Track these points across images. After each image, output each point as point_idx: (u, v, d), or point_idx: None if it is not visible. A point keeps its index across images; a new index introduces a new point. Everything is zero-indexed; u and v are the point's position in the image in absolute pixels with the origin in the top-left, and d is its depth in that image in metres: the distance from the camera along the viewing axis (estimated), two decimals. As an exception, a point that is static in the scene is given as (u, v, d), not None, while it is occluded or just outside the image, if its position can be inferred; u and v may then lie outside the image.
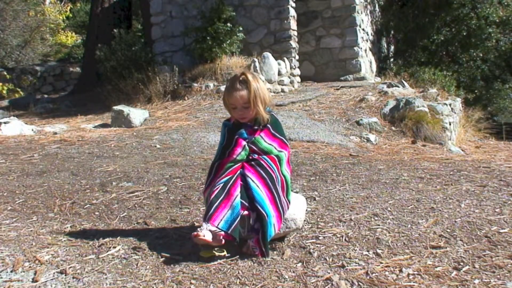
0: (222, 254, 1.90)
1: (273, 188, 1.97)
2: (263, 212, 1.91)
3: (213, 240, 1.84)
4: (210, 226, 1.85)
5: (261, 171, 1.98)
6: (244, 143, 2.00)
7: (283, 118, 5.79)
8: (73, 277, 1.75)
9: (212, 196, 1.92)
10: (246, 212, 1.92)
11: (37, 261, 1.89)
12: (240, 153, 1.99)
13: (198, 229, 1.86)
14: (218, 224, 1.86)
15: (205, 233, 1.82)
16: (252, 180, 1.95)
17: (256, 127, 2.04)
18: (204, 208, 2.06)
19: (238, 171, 1.99)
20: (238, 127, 2.05)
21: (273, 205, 1.95)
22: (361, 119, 5.83)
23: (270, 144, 2.04)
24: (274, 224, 1.94)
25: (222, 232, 1.86)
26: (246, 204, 1.93)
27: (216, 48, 7.47)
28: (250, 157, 2.01)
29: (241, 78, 1.99)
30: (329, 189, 2.96)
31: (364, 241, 2.05)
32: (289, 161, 2.14)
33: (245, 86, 1.97)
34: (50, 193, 3.00)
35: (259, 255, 1.89)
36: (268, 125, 2.05)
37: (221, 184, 1.95)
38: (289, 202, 2.08)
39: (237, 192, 1.93)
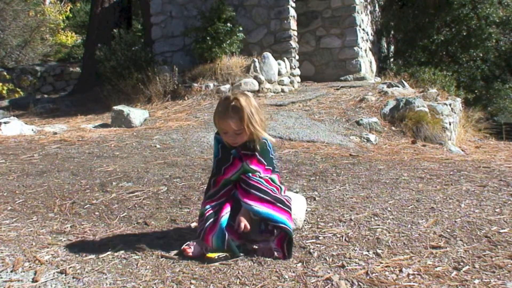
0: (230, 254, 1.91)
1: (269, 197, 1.97)
2: (282, 225, 1.92)
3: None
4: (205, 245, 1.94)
5: (252, 191, 1.96)
6: (240, 165, 2.00)
7: (283, 118, 5.79)
8: (73, 277, 1.75)
9: (205, 218, 1.99)
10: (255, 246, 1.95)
11: (37, 261, 1.89)
12: (235, 173, 2.01)
13: (189, 244, 1.95)
14: (212, 245, 1.92)
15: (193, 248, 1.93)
16: (249, 204, 1.94)
17: (244, 152, 2.00)
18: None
19: (232, 192, 2.02)
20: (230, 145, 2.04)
21: (280, 211, 1.96)
22: (361, 119, 5.83)
23: (256, 171, 2.02)
24: (290, 223, 1.97)
25: (222, 256, 1.90)
26: (233, 224, 1.96)
27: (216, 48, 7.47)
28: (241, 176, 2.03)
29: (233, 104, 1.90)
30: (329, 189, 2.96)
31: (364, 241, 2.05)
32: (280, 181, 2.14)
33: (238, 113, 1.90)
34: (50, 193, 3.00)
35: (280, 257, 1.89)
36: (256, 153, 2.00)
37: (215, 208, 2.00)
38: (287, 196, 2.09)
39: (225, 211, 1.97)
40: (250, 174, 1.99)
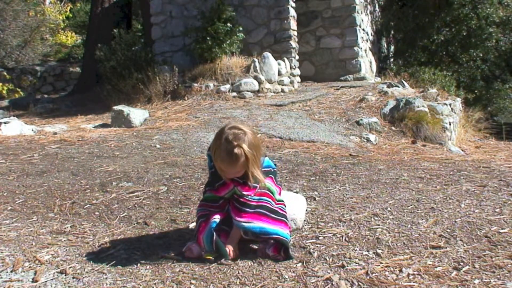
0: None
1: (262, 210, 1.98)
2: (275, 236, 1.92)
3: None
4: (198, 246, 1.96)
5: (244, 209, 1.97)
6: (232, 186, 2.00)
7: (283, 118, 5.79)
8: (73, 277, 1.75)
9: (197, 219, 2.04)
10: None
11: (37, 261, 1.89)
12: (228, 193, 2.02)
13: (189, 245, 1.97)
14: (203, 245, 1.93)
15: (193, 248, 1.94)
16: (240, 222, 1.94)
17: (236, 180, 1.99)
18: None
19: (226, 207, 2.03)
20: None
21: (273, 223, 1.97)
22: (361, 119, 5.83)
23: (248, 195, 2.02)
24: (284, 232, 1.97)
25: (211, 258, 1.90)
26: (227, 229, 1.98)
27: (216, 48, 7.46)
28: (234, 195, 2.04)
29: (236, 151, 1.83)
30: (329, 189, 2.96)
31: (364, 241, 2.05)
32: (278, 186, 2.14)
33: (241, 160, 1.86)
34: (50, 193, 3.00)
35: (280, 260, 1.89)
36: (247, 182, 1.99)
37: (207, 211, 2.02)
38: (281, 201, 2.08)
39: (215, 217, 1.97)
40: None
